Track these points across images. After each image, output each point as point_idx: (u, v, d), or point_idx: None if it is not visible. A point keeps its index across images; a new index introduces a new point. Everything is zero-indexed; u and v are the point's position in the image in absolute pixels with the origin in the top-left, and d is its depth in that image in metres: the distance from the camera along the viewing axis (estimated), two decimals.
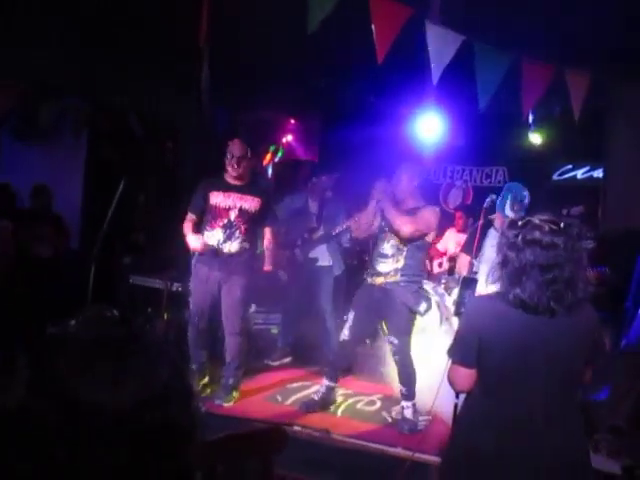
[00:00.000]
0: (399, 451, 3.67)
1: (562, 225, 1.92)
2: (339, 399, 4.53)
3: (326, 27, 3.34)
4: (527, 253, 1.89)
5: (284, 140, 8.36)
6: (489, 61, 3.99)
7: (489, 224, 4.10)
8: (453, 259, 5.29)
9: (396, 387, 4.30)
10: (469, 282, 3.58)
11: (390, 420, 4.23)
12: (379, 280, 4.03)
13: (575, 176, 7.14)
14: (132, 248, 6.47)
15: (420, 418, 4.06)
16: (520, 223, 1.97)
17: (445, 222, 5.98)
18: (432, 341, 4.45)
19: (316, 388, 4.61)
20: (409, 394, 4.01)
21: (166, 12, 4.48)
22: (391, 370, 4.45)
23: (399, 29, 3.53)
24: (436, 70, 3.76)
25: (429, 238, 4.10)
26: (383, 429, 4.07)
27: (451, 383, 2.10)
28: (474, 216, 4.93)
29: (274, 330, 5.74)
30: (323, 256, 5.26)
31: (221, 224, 4.18)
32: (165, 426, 0.72)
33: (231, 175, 4.25)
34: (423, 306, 3.97)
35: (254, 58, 5.32)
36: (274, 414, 4.14)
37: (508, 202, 4.00)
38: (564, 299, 1.89)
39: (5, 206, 5.52)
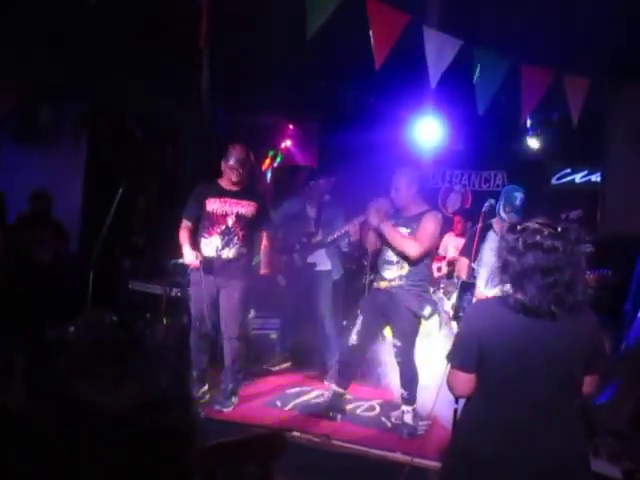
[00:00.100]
0: (398, 456, 3.66)
1: (560, 229, 1.93)
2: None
3: (325, 31, 3.35)
4: (528, 257, 1.90)
5: (283, 145, 8.37)
6: (487, 65, 4.01)
7: (488, 228, 4.10)
8: (452, 263, 5.28)
9: (395, 392, 4.30)
10: (468, 286, 3.59)
11: (389, 425, 4.22)
12: (384, 284, 4.04)
13: (573, 180, 7.15)
14: (132, 251, 6.47)
15: (420, 423, 4.06)
16: (519, 227, 1.97)
17: (444, 226, 5.97)
18: (431, 345, 4.45)
19: (317, 393, 4.61)
20: (410, 398, 4.00)
21: (166, 14, 4.49)
22: (391, 375, 4.44)
23: (397, 35, 3.55)
24: (434, 75, 3.77)
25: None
26: (382, 434, 4.07)
27: (450, 388, 2.10)
28: (473, 220, 4.93)
29: (273, 335, 5.73)
30: (322, 261, 5.25)
31: (219, 230, 4.17)
32: (164, 430, 0.72)
33: (230, 180, 4.23)
34: (427, 310, 3.96)
35: (254, 60, 5.34)
36: (273, 419, 4.13)
37: (501, 204, 4.01)
38: (565, 302, 1.89)
39: None
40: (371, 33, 3.52)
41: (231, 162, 4.18)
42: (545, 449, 1.90)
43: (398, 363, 4.04)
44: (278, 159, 8.39)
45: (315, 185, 5.29)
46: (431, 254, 4.18)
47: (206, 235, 4.20)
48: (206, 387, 4.38)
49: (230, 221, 4.18)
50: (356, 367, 4.26)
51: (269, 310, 5.80)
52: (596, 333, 2.02)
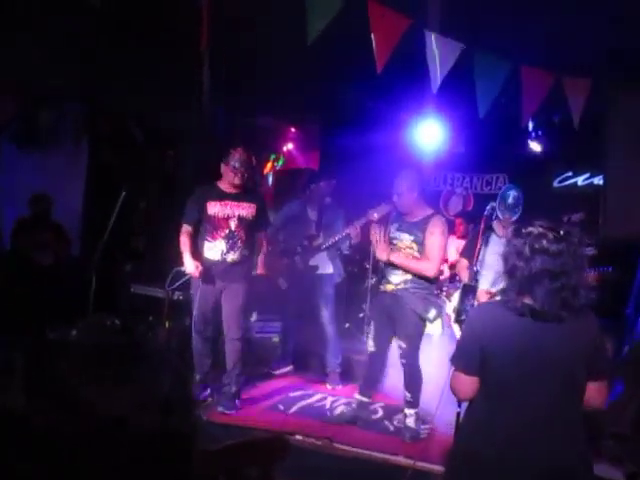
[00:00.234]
0: (401, 460, 3.65)
1: (563, 232, 1.94)
2: (340, 408, 4.51)
3: (327, 33, 3.35)
4: (536, 262, 1.92)
5: (284, 149, 8.37)
6: (488, 68, 4.01)
7: (489, 230, 4.10)
8: (454, 266, 5.28)
9: (398, 395, 4.29)
10: (469, 289, 3.58)
11: (392, 428, 4.21)
12: (390, 287, 4.05)
13: (576, 183, 7.14)
14: (132, 254, 6.47)
15: (422, 426, 4.05)
16: (524, 231, 1.98)
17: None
18: (433, 348, 4.44)
19: (320, 396, 4.59)
20: (414, 401, 3.99)
21: (167, 17, 4.50)
22: (394, 378, 4.43)
23: (398, 39, 3.55)
24: (436, 79, 3.77)
25: None
26: (385, 438, 4.06)
27: (453, 391, 2.11)
28: (475, 223, 4.93)
29: (275, 339, 5.72)
30: (323, 263, 5.24)
31: (223, 235, 4.18)
32: (165, 432, 0.72)
33: (231, 183, 4.23)
34: (432, 313, 3.96)
35: (254, 62, 5.34)
36: (276, 423, 4.12)
37: (497, 204, 4.04)
38: (572, 305, 1.92)
39: None
40: (372, 36, 3.53)
41: (233, 164, 4.18)
42: (547, 452, 1.91)
43: (403, 365, 4.03)
44: (279, 162, 8.40)
45: (316, 188, 5.28)
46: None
47: (210, 239, 4.20)
48: (208, 390, 4.38)
49: (233, 224, 4.18)
50: (379, 373, 4.25)
51: (271, 313, 5.80)
52: (598, 336, 2.02)
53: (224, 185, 4.26)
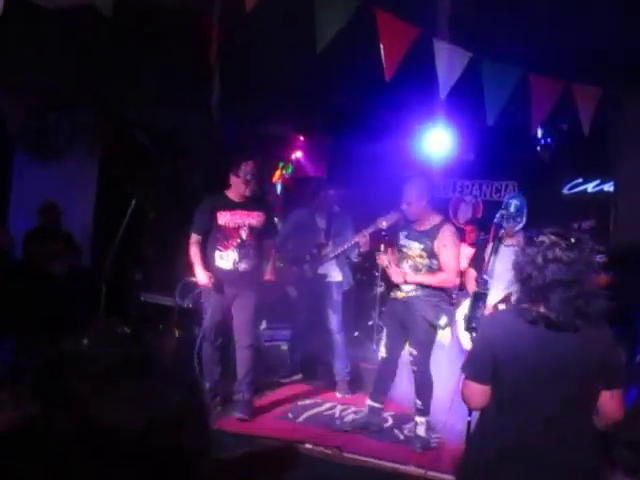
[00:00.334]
0: (411, 469, 3.63)
1: (574, 240, 1.94)
2: (350, 417, 4.49)
3: (335, 43, 3.37)
4: (550, 270, 1.91)
5: (293, 157, 8.40)
6: (497, 76, 4.00)
7: (498, 239, 4.08)
8: (464, 274, 5.26)
9: (408, 404, 4.27)
10: (480, 297, 3.57)
11: (402, 437, 4.19)
12: (401, 294, 4.06)
13: (586, 190, 7.10)
14: (142, 263, 6.50)
15: (433, 435, 4.02)
16: (537, 240, 1.98)
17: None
18: (443, 357, 4.42)
19: (329, 405, 4.57)
20: (425, 409, 3.98)
21: (178, 29, 4.54)
22: (404, 387, 4.41)
23: (407, 48, 3.56)
24: (444, 87, 3.78)
25: None
26: (395, 447, 4.04)
27: (465, 400, 2.09)
28: (485, 230, 4.92)
29: (284, 347, 5.72)
30: (332, 272, 5.24)
31: (234, 244, 4.20)
32: (178, 446, 0.72)
33: (242, 194, 4.26)
34: (443, 320, 3.97)
35: (264, 74, 5.37)
36: (285, 432, 4.11)
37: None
38: (586, 314, 1.91)
39: None
40: (381, 45, 3.54)
41: (244, 177, 4.21)
42: (558, 463, 1.89)
43: (414, 372, 4.03)
44: (288, 170, 8.43)
45: (325, 196, 5.29)
46: None
47: (222, 249, 4.22)
48: (218, 399, 4.38)
49: (244, 234, 4.21)
50: (390, 380, 4.24)
51: (280, 322, 5.80)
52: (611, 345, 2.01)
53: (233, 195, 4.29)
